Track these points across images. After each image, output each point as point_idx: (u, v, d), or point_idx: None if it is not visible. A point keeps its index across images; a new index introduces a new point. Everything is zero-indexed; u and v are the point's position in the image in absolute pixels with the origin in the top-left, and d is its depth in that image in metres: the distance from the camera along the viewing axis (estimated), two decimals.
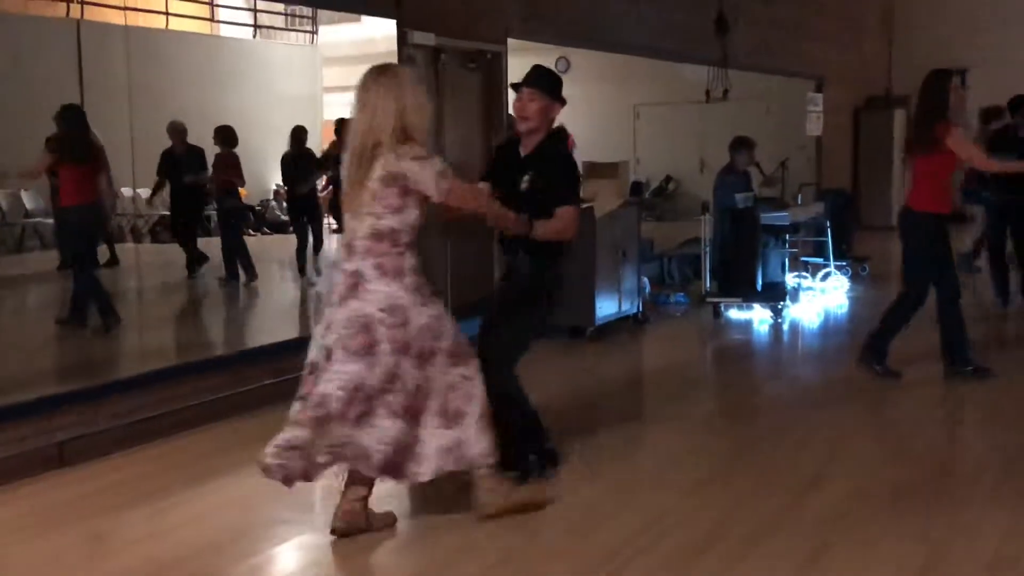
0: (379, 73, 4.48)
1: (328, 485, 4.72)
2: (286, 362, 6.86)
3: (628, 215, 8.82)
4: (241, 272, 11.08)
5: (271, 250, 13.09)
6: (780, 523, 4.58)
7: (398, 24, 7.74)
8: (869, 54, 18.54)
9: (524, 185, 4.93)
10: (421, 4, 7.89)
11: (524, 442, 5.06)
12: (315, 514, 4.85)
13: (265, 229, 16.24)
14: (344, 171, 4.42)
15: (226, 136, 10.99)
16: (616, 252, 8.65)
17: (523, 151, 5.06)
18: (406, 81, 4.42)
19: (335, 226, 15.96)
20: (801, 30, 15.25)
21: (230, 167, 11.11)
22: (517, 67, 9.00)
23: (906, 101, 18.39)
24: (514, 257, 5.09)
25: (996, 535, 4.40)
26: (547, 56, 14.63)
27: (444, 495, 4.84)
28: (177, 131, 10.83)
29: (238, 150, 12.97)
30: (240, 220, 12.14)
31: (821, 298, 10.55)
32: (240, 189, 13.05)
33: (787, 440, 5.88)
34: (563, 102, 5.05)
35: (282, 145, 12.83)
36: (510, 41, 8.93)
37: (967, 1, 18.42)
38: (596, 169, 8.88)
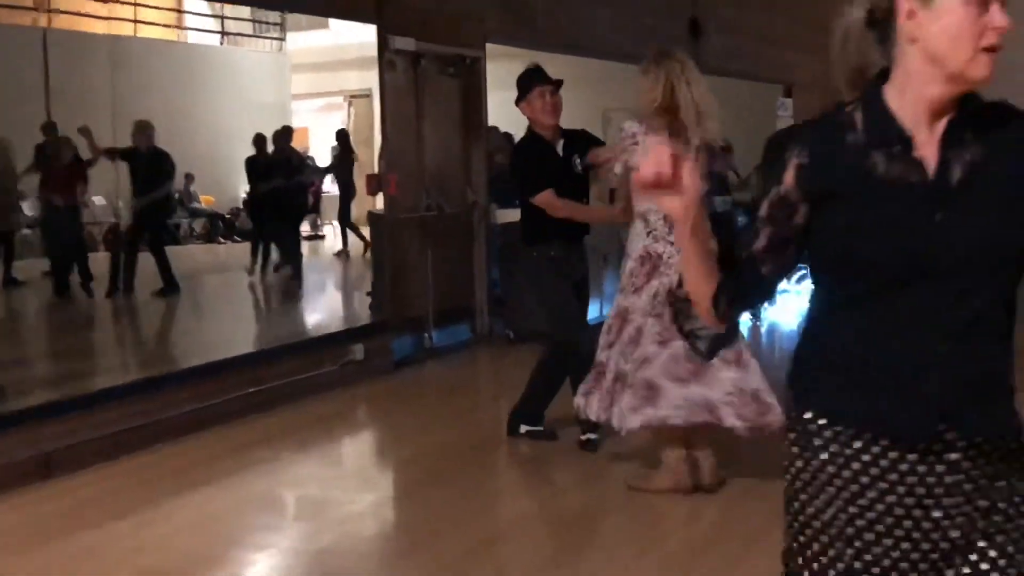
0: None
1: (307, 496, 4.67)
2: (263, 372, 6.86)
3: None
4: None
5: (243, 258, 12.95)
6: (772, 530, 4.55)
7: (378, 29, 7.70)
8: None
9: (578, 168, 5.49)
10: (402, 9, 7.85)
11: None
12: (295, 524, 4.80)
13: (236, 237, 16.15)
14: None
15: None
16: (597, 256, 8.63)
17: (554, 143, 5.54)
18: None
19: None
20: (770, 36, 15.31)
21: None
22: (491, 72, 9.02)
23: None
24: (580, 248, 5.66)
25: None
26: (519, 62, 14.66)
27: (420, 513, 4.79)
28: (142, 130, 10.47)
29: (209, 156, 12.97)
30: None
31: (796, 300, 10.57)
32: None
33: (775, 444, 5.85)
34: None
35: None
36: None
37: None
38: None
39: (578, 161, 5.40)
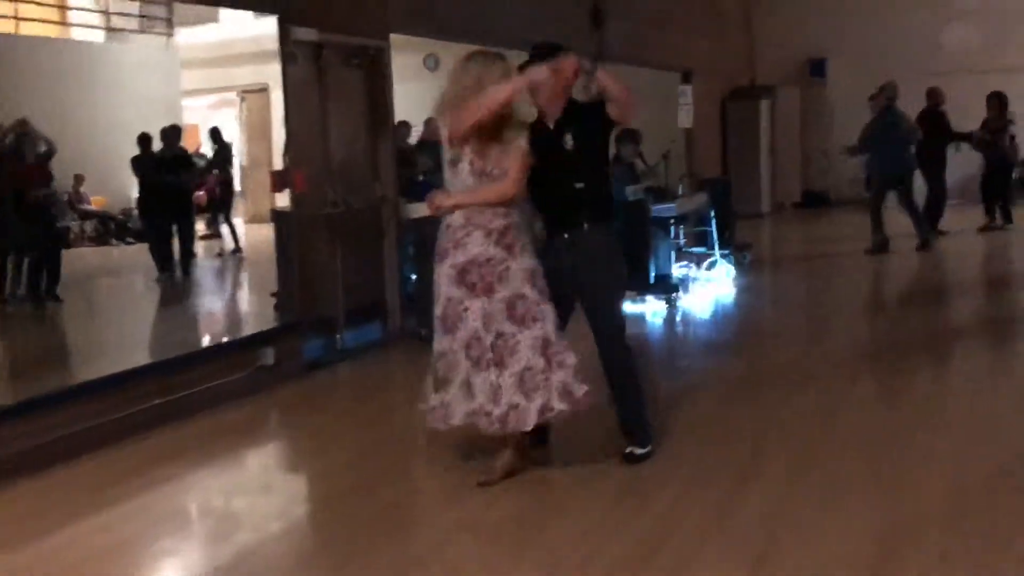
0: None
1: (220, 514, 4.40)
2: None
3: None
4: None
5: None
6: (722, 522, 4.44)
7: (280, 20, 7.39)
8: (733, 45, 18.77)
9: (568, 145, 5.10)
10: None
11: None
12: (208, 546, 4.55)
13: (129, 239, 15.59)
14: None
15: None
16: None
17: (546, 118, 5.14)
18: None
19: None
20: (668, 23, 15.30)
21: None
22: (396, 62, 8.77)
23: (771, 91, 18.71)
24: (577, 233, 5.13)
25: (937, 526, 4.33)
26: (415, 53, 14.43)
27: (342, 531, 4.56)
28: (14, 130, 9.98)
29: (98, 156, 12.47)
30: None
31: (710, 288, 10.54)
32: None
33: (708, 435, 5.75)
34: None
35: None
36: None
37: None
38: None
39: (569, 138, 5.07)
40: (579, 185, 5.10)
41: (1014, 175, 15.20)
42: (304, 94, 7.69)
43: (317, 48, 7.68)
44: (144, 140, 11.99)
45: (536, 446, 5.27)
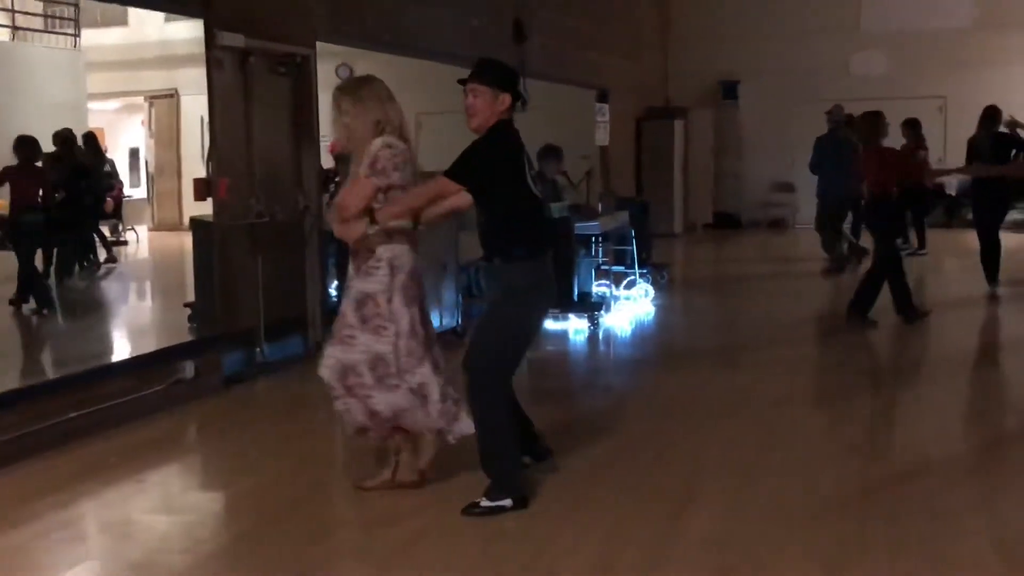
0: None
1: (136, 541, 4.18)
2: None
3: (447, 226, 8.49)
4: None
5: None
6: (669, 549, 4.37)
7: (206, 24, 7.17)
8: (648, 66, 18.90)
9: None
10: (230, 3, 7.35)
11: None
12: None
13: None
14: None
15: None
16: (436, 265, 8.34)
17: None
18: None
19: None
20: (586, 41, 15.35)
21: None
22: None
23: (685, 112, 18.89)
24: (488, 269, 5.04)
25: (884, 548, 4.32)
26: (328, 62, 14.20)
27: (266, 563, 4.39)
28: None
29: None
30: None
31: (629, 306, 10.54)
32: None
33: (643, 456, 5.69)
34: (511, 91, 4.79)
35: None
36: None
37: (740, 15, 19.02)
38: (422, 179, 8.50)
39: None
40: (482, 219, 4.91)
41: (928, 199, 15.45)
42: (229, 100, 7.48)
43: (243, 54, 7.48)
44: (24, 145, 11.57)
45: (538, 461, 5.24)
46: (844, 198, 12.79)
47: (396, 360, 4.84)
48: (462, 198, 4.87)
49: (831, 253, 13.06)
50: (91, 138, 13.49)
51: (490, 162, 4.74)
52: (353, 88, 4.93)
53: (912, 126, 14.22)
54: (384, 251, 4.83)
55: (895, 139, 14.40)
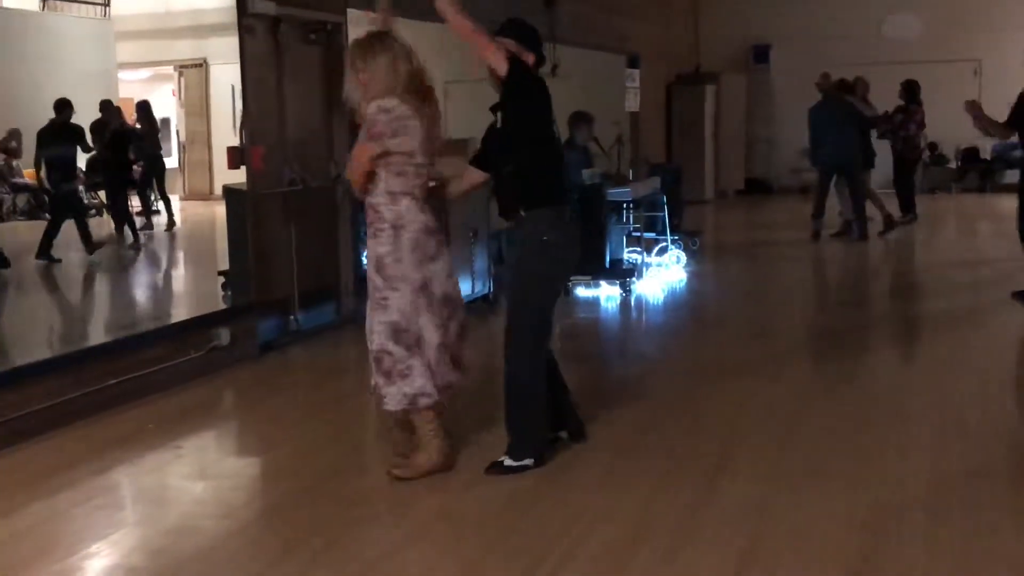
0: None
1: (173, 508, 4.21)
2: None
3: (478, 193, 8.47)
4: None
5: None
6: (704, 515, 4.36)
7: None
8: (678, 31, 18.75)
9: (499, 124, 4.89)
10: None
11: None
12: (160, 546, 4.34)
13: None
14: None
15: None
16: (467, 232, 8.33)
17: None
18: None
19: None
20: (616, 6, 15.23)
21: None
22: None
23: (716, 77, 18.73)
24: (515, 222, 4.96)
25: (921, 512, 4.31)
26: (360, 29, 14.11)
27: (305, 526, 4.42)
28: None
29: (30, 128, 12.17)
30: None
31: (662, 273, 10.50)
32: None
33: (677, 422, 5.69)
34: (535, 51, 4.93)
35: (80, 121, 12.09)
36: None
37: None
38: (447, 146, 8.47)
39: (499, 116, 4.87)
40: (508, 168, 4.88)
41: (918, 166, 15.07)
42: (261, 69, 7.48)
43: (275, 22, 7.47)
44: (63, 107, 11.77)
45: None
46: (844, 163, 12.65)
47: (406, 320, 4.75)
48: (478, 175, 5.22)
49: (886, 212, 12.95)
50: (144, 107, 13.68)
51: (526, 74, 4.81)
52: (366, 44, 4.79)
53: (905, 87, 13.90)
54: (387, 212, 4.74)
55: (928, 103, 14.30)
